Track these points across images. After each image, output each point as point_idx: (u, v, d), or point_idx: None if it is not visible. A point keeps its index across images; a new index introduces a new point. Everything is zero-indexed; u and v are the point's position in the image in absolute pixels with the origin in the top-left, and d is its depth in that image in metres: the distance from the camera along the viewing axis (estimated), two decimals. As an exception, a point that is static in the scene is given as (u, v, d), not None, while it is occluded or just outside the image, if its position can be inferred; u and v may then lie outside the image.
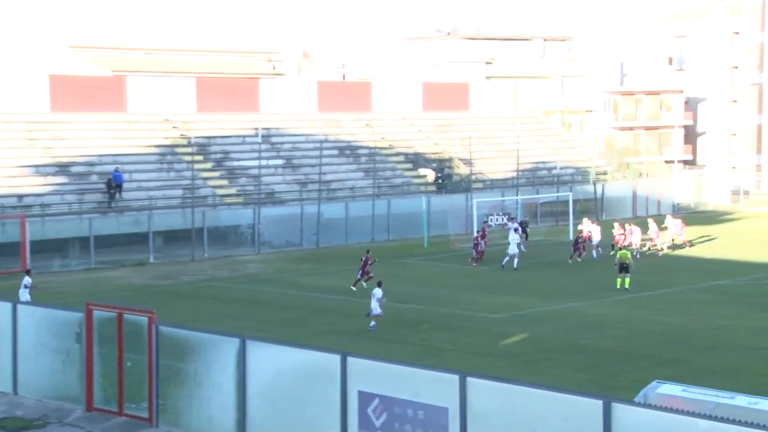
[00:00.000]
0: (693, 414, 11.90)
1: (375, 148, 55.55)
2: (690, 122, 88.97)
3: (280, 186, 52.44)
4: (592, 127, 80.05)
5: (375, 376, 14.50)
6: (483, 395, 13.34)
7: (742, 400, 13.86)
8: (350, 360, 14.66)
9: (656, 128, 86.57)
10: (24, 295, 27.59)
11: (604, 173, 63.68)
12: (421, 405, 13.86)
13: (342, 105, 61.16)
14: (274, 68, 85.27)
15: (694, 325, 27.55)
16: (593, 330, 27.16)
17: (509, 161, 59.87)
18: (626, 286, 33.22)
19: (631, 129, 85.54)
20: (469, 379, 13.44)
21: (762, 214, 61.27)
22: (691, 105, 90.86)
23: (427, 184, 55.77)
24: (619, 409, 12.11)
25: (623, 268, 33.42)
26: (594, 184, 59.18)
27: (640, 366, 22.66)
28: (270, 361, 15.83)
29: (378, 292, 27.61)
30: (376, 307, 27.46)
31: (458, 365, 21.74)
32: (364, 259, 34.71)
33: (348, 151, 57.73)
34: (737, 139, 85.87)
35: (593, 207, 57.58)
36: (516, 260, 38.90)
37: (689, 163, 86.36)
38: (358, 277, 34.36)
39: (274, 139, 56.03)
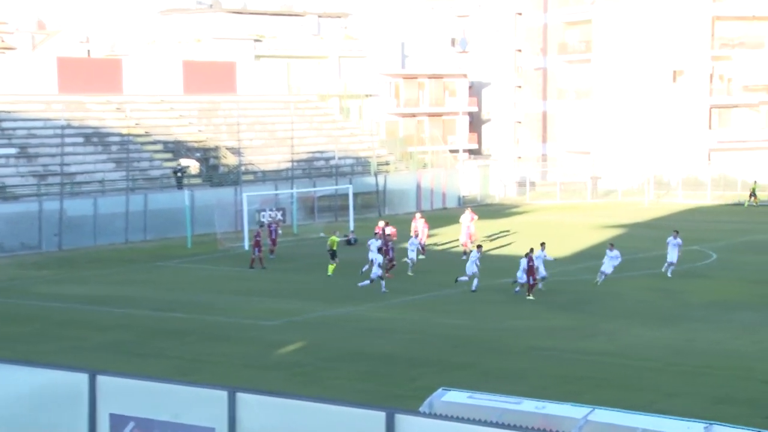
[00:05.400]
0: (478, 422, 12.43)
1: (128, 135, 54.20)
2: (475, 109, 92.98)
3: (12, 179, 50.09)
4: (372, 114, 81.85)
5: (130, 396, 14.14)
6: (255, 412, 13.32)
7: (528, 405, 14.66)
8: (100, 379, 14.20)
9: (440, 115, 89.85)
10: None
11: (387, 164, 65.38)
12: (184, 426, 13.67)
13: (87, 85, 59.20)
14: (2, 41, 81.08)
15: (481, 327, 28.86)
16: (376, 335, 27.82)
17: (283, 150, 60.19)
18: (329, 272, 37.51)
19: (413, 116, 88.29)
20: (239, 395, 13.38)
21: (548, 206, 65.15)
22: (475, 90, 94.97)
23: (189, 176, 55.07)
24: (403, 420, 12.43)
25: (333, 254, 37.91)
26: (375, 175, 60.60)
27: (427, 372, 23.46)
28: (2, 384, 15.06)
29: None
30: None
31: (227, 380, 21.64)
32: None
33: (95, 138, 55.95)
34: (522, 127, 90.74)
35: (375, 201, 58.98)
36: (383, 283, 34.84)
37: (474, 152, 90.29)
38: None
39: (4, 125, 53.45)
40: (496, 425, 12.46)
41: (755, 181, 66.00)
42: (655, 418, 14.22)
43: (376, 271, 34.51)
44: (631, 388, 22.20)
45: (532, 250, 33.93)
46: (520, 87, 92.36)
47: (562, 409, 14.55)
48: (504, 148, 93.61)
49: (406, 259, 38.47)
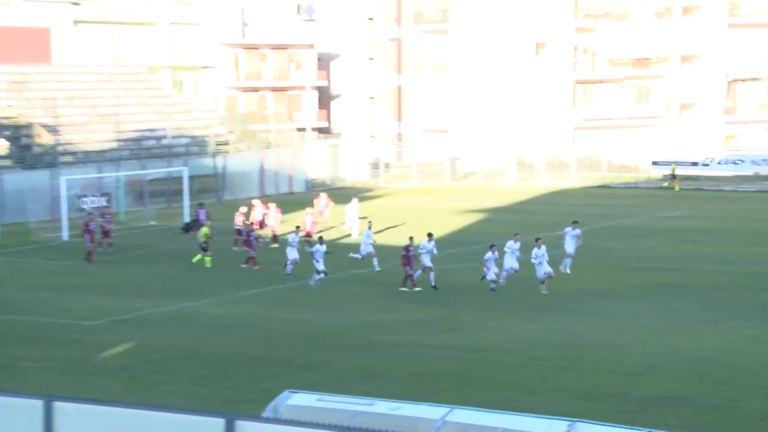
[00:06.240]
0: (328, 426, 12.50)
1: (-75, 110, 52.00)
2: (324, 83, 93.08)
3: None
4: (209, 88, 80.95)
5: (-75, 410, 13.59)
6: (75, 423, 13.08)
7: (382, 407, 14.82)
8: None
9: (285, 89, 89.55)
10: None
11: (226, 143, 64.84)
12: (-8, 442, 13.25)
13: None
14: None
15: (333, 322, 28.96)
16: (215, 334, 27.61)
17: (107, 128, 59.00)
18: (206, 264, 37.65)
19: (256, 90, 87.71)
20: (57, 404, 13.10)
21: (404, 190, 65.92)
22: (324, 62, 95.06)
23: (-2, 157, 53.39)
24: (244, 427, 12.42)
25: (204, 247, 37.89)
26: (214, 156, 60.01)
27: (272, 374, 23.42)
28: None
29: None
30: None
31: (42, 387, 21.14)
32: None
33: None
34: (376, 103, 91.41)
35: (213, 184, 58.42)
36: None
37: (324, 131, 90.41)
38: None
39: None
40: (347, 429, 12.52)
41: (674, 164, 66.97)
42: (516, 417, 14.55)
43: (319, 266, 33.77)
44: (492, 385, 22.68)
45: (411, 239, 33.95)
46: (372, 59, 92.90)
47: (419, 410, 14.75)
48: (356, 126, 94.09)
49: (354, 254, 37.75)
